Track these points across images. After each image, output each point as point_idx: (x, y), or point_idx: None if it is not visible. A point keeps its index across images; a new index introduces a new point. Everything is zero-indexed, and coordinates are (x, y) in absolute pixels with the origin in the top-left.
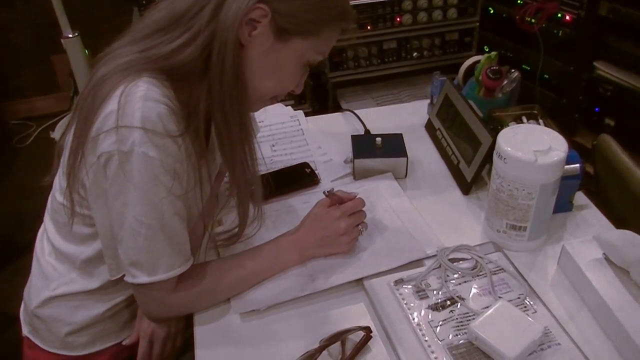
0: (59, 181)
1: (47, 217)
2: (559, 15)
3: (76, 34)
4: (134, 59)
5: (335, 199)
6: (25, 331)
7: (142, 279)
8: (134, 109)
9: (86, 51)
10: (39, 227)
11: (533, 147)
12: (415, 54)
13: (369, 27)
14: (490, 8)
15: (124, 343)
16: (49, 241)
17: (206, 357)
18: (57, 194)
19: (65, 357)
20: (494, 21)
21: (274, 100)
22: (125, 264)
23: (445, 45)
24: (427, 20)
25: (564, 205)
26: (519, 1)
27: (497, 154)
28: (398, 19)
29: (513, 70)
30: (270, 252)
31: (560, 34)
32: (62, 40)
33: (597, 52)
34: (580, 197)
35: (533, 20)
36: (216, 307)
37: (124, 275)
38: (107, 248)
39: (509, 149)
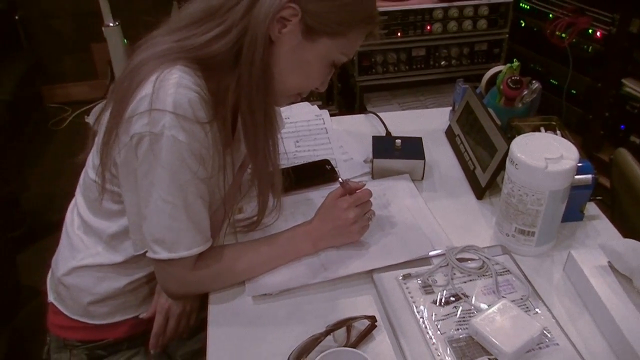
0: (92, 159)
1: (78, 192)
2: (590, 31)
3: (117, 23)
4: (170, 47)
5: (347, 189)
6: (51, 297)
7: (163, 255)
8: (166, 94)
9: (125, 40)
10: (68, 206)
11: (545, 155)
12: (443, 62)
13: (399, 34)
14: (521, 21)
15: (141, 316)
16: (79, 215)
17: (218, 334)
18: (89, 171)
19: (87, 325)
20: (524, 34)
21: (298, 96)
22: (148, 240)
23: (474, 56)
24: (457, 29)
25: (574, 214)
26: (550, 15)
27: (510, 159)
28: (428, 27)
29: (534, 81)
30: (285, 240)
31: (590, 50)
32: (103, 29)
33: (626, 70)
34: (591, 208)
35: (564, 35)
36: (230, 288)
37: (146, 252)
38: (133, 224)
39: (521, 155)
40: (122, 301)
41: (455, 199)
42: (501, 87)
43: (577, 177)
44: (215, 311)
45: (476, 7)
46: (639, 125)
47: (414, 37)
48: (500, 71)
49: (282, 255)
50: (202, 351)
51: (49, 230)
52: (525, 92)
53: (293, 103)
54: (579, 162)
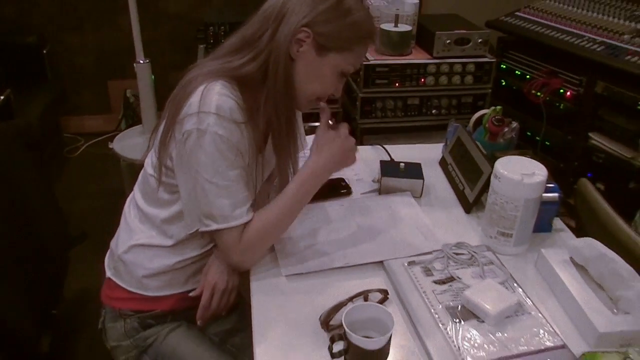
0: (151, 158)
1: (136, 188)
2: (562, 90)
3: (147, 61)
4: (215, 69)
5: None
6: (109, 273)
7: (214, 226)
8: (211, 100)
9: (153, 76)
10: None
11: (521, 171)
12: (434, 111)
13: (397, 84)
14: (502, 80)
15: (190, 295)
16: (136, 206)
17: (260, 301)
18: (147, 168)
19: (140, 296)
20: (504, 92)
21: (318, 101)
22: (201, 216)
23: (461, 106)
24: (447, 83)
25: (545, 226)
26: (527, 76)
27: (494, 174)
28: (422, 80)
29: (513, 122)
30: (297, 187)
31: (561, 107)
32: (134, 65)
33: (593, 125)
34: (558, 223)
35: (539, 94)
36: (268, 269)
37: (195, 235)
38: (186, 207)
39: (503, 171)
40: (171, 277)
41: (448, 212)
42: (487, 125)
43: (546, 194)
44: (257, 285)
45: (464, 64)
46: (603, 173)
47: (410, 87)
48: (485, 113)
49: (301, 200)
50: (233, 330)
51: (60, 251)
52: (506, 130)
53: (314, 108)
54: (549, 184)
